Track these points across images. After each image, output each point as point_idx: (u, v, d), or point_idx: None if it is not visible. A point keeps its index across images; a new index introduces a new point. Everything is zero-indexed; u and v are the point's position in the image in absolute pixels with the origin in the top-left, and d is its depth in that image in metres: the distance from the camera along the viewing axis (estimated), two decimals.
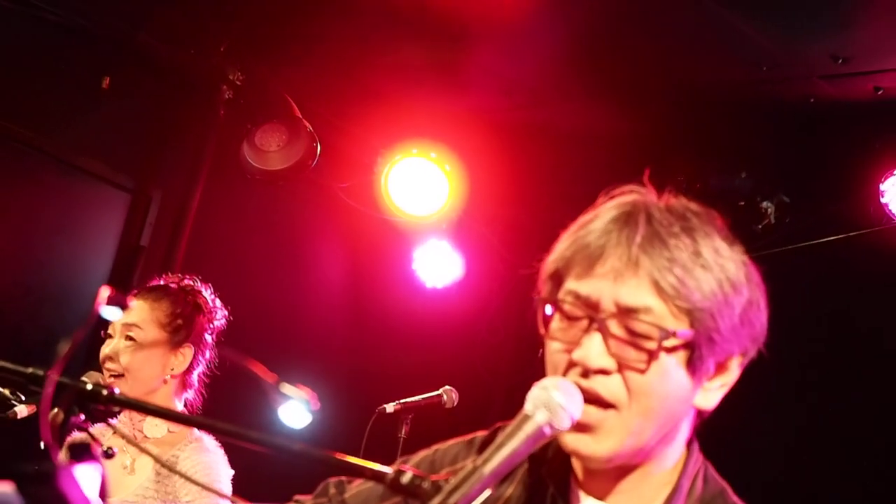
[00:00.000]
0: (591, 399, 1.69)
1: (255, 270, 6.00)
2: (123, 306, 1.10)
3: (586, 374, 1.69)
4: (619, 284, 1.68)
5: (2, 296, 5.30)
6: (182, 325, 3.72)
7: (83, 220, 5.71)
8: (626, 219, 1.72)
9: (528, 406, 1.65)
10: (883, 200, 5.21)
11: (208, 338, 3.82)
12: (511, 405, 1.76)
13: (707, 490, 1.83)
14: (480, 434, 1.94)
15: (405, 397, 4.70)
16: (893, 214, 5.20)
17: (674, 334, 1.67)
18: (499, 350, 6.94)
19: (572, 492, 1.84)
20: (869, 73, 5.01)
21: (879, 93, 5.13)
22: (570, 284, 1.73)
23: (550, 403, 1.64)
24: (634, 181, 1.82)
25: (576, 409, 1.66)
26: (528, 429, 1.62)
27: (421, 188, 6.09)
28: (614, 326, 1.69)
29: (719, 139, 5.63)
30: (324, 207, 6.39)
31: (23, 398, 2.66)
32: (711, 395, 1.79)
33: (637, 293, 1.68)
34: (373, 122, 6.13)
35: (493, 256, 6.93)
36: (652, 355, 1.68)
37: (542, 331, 1.77)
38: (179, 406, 3.75)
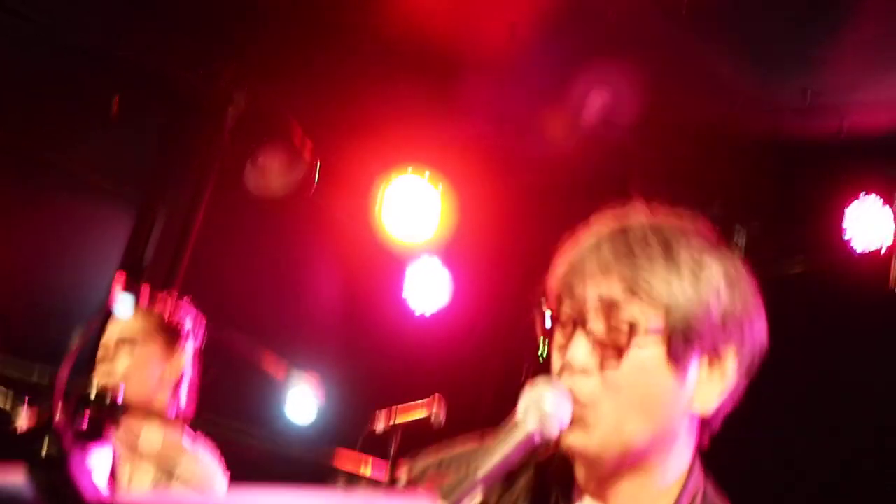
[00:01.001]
0: (574, 397, 1.73)
1: (254, 285, 6.00)
2: (137, 296, 1.18)
3: (573, 373, 1.74)
4: (594, 286, 1.75)
5: (11, 307, 5.23)
6: (175, 330, 3.82)
7: (89, 234, 5.71)
8: (608, 234, 1.79)
9: (520, 411, 1.71)
10: (844, 234, 5.21)
11: (193, 347, 3.90)
12: (496, 419, 1.81)
13: (708, 498, 1.85)
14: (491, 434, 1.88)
15: (396, 408, 4.62)
16: (852, 246, 5.19)
17: (645, 329, 1.71)
18: (483, 371, 6.89)
19: (574, 494, 1.85)
20: (835, 108, 5.04)
21: (844, 129, 5.16)
22: (565, 297, 1.80)
23: (542, 409, 1.69)
24: (615, 208, 1.87)
25: (565, 415, 1.71)
26: (517, 436, 1.68)
27: (414, 211, 6.06)
28: (595, 327, 1.74)
29: (695, 170, 5.56)
30: (322, 227, 6.35)
31: (24, 404, 2.71)
32: (708, 393, 1.80)
33: (609, 292, 1.73)
34: (370, 146, 6.09)
35: (481, 278, 6.85)
36: (623, 350, 1.72)
37: (543, 348, 1.84)
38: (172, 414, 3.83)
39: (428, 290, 6.53)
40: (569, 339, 1.77)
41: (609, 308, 1.74)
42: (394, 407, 4.42)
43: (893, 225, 5.18)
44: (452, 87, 5.55)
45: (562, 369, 1.77)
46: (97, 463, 0.94)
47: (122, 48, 5.54)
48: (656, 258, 1.74)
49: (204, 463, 3.72)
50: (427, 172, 6.09)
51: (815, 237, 5.37)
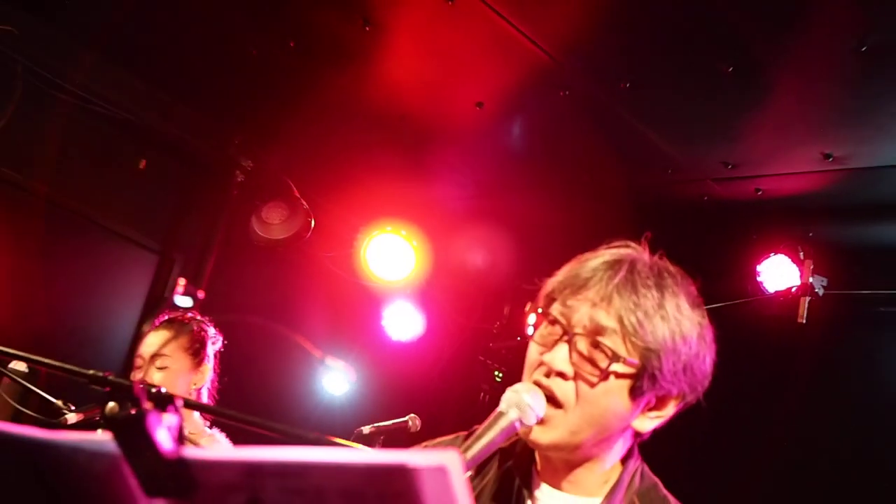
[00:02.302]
0: (548, 397, 1.71)
1: (251, 335, 5.97)
2: (195, 297, 1.12)
3: (549, 374, 1.72)
4: (593, 311, 1.70)
5: (51, 336, 5.20)
6: (199, 348, 3.74)
7: (119, 275, 5.69)
8: (613, 264, 1.74)
9: (503, 405, 1.68)
10: (759, 279, 5.22)
11: (213, 356, 3.82)
12: (459, 428, 1.87)
13: (643, 484, 1.83)
14: (462, 433, 1.91)
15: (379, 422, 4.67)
16: (766, 289, 5.21)
17: (623, 361, 1.68)
18: (449, 390, 6.89)
19: (534, 481, 1.83)
20: (751, 177, 5.02)
21: (759, 193, 5.13)
22: (559, 302, 1.76)
23: (521, 404, 1.67)
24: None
25: (540, 408, 1.69)
26: (502, 423, 1.65)
27: (392, 259, 6.06)
28: (580, 342, 1.70)
29: (633, 229, 5.49)
30: (313, 271, 6.36)
31: (72, 408, 2.64)
32: (647, 422, 1.79)
33: (606, 318, 1.69)
34: (355, 204, 6.14)
35: (446, 317, 6.89)
36: (602, 373, 1.69)
37: (529, 335, 1.82)
38: (196, 413, 3.74)
39: (402, 324, 6.56)
40: (553, 342, 1.74)
41: (598, 332, 1.71)
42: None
43: (799, 274, 5.18)
44: (426, 156, 5.55)
45: (539, 364, 1.75)
46: (167, 424, 0.89)
47: (149, 121, 5.54)
48: (651, 305, 1.71)
49: (221, 443, 3.71)
50: (402, 227, 6.08)
51: (735, 282, 5.34)
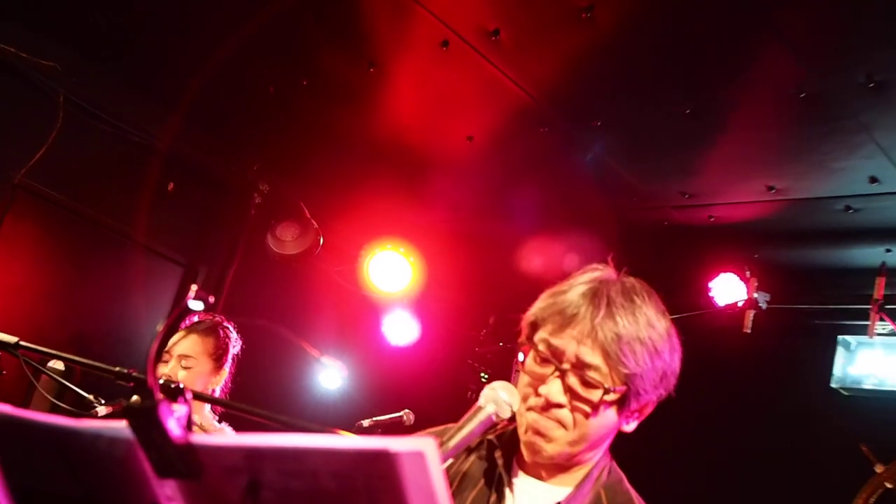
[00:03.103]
0: (553, 419, 1.71)
1: (265, 352, 5.95)
2: (206, 302, 1.10)
3: (548, 405, 1.71)
4: (581, 346, 1.68)
5: (88, 338, 5.24)
6: (222, 354, 3.69)
7: (149, 285, 5.62)
8: (593, 296, 1.71)
9: (482, 401, 1.68)
10: (710, 294, 5.26)
11: (231, 360, 3.76)
12: (447, 422, 1.81)
13: (610, 478, 1.82)
14: (451, 425, 1.87)
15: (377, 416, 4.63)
16: (716, 303, 5.25)
17: (613, 391, 1.68)
18: (440, 388, 6.83)
19: (514, 470, 1.82)
20: (705, 205, 5.05)
21: (712, 219, 5.16)
22: (544, 334, 1.74)
23: (498, 400, 1.67)
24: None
25: (515, 403, 1.69)
26: (481, 416, 1.65)
27: (391, 273, 6.03)
28: (571, 377, 1.69)
29: (601, 249, 5.38)
30: (322, 283, 6.32)
31: (102, 402, 2.61)
32: (632, 425, 1.80)
33: (592, 355, 1.68)
34: (359, 224, 6.11)
35: (439, 324, 6.85)
36: (595, 404, 1.69)
37: (519, 365, 1.82)
38: (208, 407, 3.69)
39: (400, 330, 6.52)
40: (545, 376, 1.72)
41: (586, 367, 1.69)
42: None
43: (745, 290, 5.21)
44: (422, 183, 5.52)
45: (535, 395, 1.74)
46: (177, 414, 0.89)
47: (176, 148, 5.50)
48: (630, 332, 1.69)
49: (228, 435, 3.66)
50: (401, 245, 6.05)
51: (690, 297, 5.32)
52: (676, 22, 3.60)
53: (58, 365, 5.19)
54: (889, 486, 5.19)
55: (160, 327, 1.02)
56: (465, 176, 5.35)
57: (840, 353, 5.59)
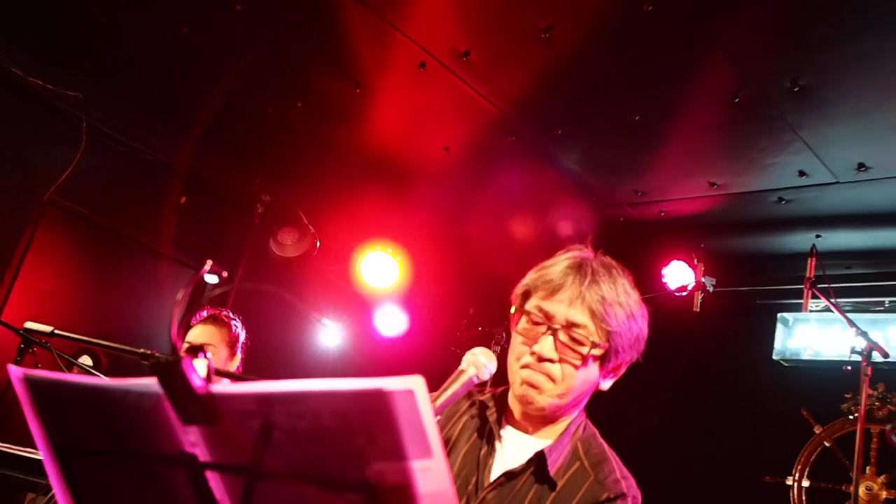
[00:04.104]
0: (544, 373, 1.74)
1: (274, 319, 5.88)
2: (220, 275, 1.12)
3: (540, 360, 1.73)
4: (570, 308, 1.72)
5: (110, 335, 5.13)
6: (235, 342, 3.67)
7: (164, 286, 5.61)
8: (578, 268, 1.75)
9: (463, 365, 1.69)
10: (664, 280, 5.27)
11: (241, 348, 3.74)
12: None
13: (585, 432, 1.84)
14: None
15: None
16: (669, 287, 5.25)
17: (598, 346, 1.72)
18: (426, 373, 6.64)
19: (503, 425, 1.83)
20: (656, 201, 5.05)
21: (662, 214, 5.17)
22: (536, 301, 1.77)
23: (477, 363, 1.68)
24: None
25: (493, 367, 1.70)
26: (463, 378, 1.66)
27: (381, 271, 6.02)
28: (562, 334, 1.72)
29: (566, 244, 5.43)
30: (319, 281, 6.31)
31: None
32: (608, 383, 1.82)
33: (580, 315, 1.72)
34: (351, 228, 6.11)
35: (425, 317, 6.84)
36: (583, 357, 1.73)
37: (511, 327, 1.83)
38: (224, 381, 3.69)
39: (390, 323, 6.50)
40: (538, 335, 1.75)
41: (575, 325, 1.73)
42: None
43: (694, 275, 5.23)
44: (405, 189, 5.51)
45: (529, 353, 1.75)
46: (198, 367, 0.90)
47: (188, 165, 5.51)
48: (611, 296, 1.73)
49: None
50: (389, 246, 6.03)
51: (645, 283, 5.28)
52: (624, 38, 3.62)
53: (87, 360, 5.17)
54: (827, 444, 5.25)
55: (180, 296, 1.04)
56: (444, 183, 5.35)
57: (780, 329, 5.62)
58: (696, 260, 5.22)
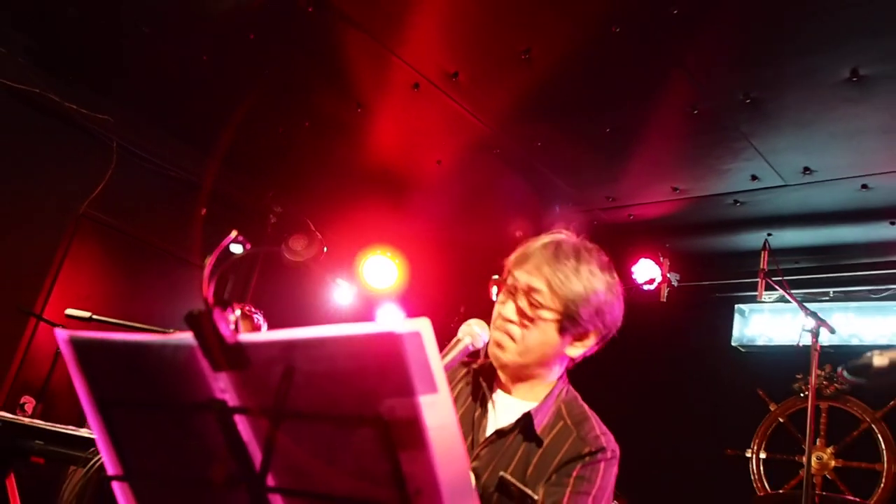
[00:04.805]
0: (505, 333, 1.73)
1: (285, 319, 5.86)
2: (244, 245, 1.11)
3: (504, 320, 1.74)
4: (531, 276, 1.73)
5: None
6: (258, 331, 3.67)
7: (188, 289, 5.57)
8: (547, 244, 1.76)
9: (459, 334, 1.70)
10: (633, 276, 5.26)
11: None
12: None
13: (568, 395, 1.83)
14: None
15: None
16: (639, 283, 5.26)
17: (548, 308, 1.70)
18: None
19: (494, 390, 1.82)
20: (625, 206, 5.07)
21: (631, 218, 5.19)
22: (509, 271, 1.78)
23: (472, 332, 1.70)
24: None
25: (486, 336, 1.73)
26: (460, 346, 1.68)
27: (381, 274, 5.99)
28: (521, 299, 1.72)
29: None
30: (326, 283, 6.28)
31: None
32: (575, 350, 1.78)
33: (538, 282, 1.71)
34: (354, 234, 6.08)
35: (421, 315, 6.68)
36: (536, 318, 1.72)
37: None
38: None
39: (389, 319, 6.39)
40: (505, 300, 1.76)
41: (532, 291, 1.72)
42: None
43: (660, 272, 5.24)
44: (403, 199, 5.50)
45: (497, 317, 1.76)
46: (227, 318, 0.89)
47: (207, 180, 5.47)
48: (569, 270, 1.72)
49: None
50: (388, 250, 6.00)
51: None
52: (596, 58, 3.64)
53: None
54: (781, 420, 5.26)
55: (209, 259, 1.03)
56: (437, 192, 5.36)
57: (737, 319, 5.66)
58: (661, 258, 5.22)
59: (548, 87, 3.92)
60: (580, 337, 1.77)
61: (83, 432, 2.29)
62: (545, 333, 1.73)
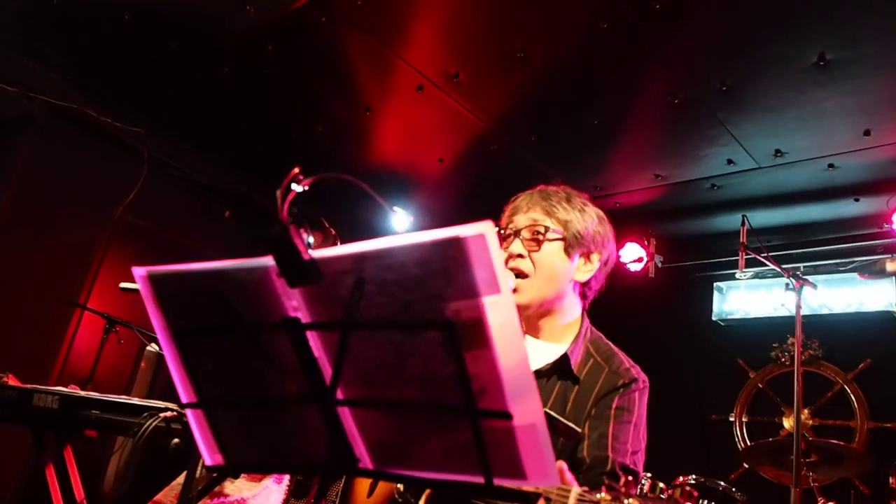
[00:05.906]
0: (516, 273, 1.72)
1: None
2: (300, 182, 1.10)
3: (510, 258, 1.73)
4: (527, 213, 1.77)
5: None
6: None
7: None
8: (533, 191, 1.82)
9: None
10: (621, 259, 5.25)
11: None
12: None
13: (593, 335, 1.82)
14: None
15: None
16: (624, 263, 5.24)
17: (552, 230, 1.73)
18: None
19: (524, 336, 1.75)
20: (612, 194, 5.01)
21: (617, 205, 5.11)
22: (506, 221, 1.81)
23: None
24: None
25: (512, 282, 1.71)
26: None
27: None
28: (524, 233, 1.74)
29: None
30: None
31: None
32: (583, 274, 1.78)
33: (536, 214, 1.75)
34: (364, 230, 5.85)
35: None
36: (541, 242, 1.72)
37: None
38: None
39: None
40: (511, 242, 1.76)
41: (533, 224, 1.73)
42: None
43: (646, 253, 5.25)
44: (407, 197, 5.44)
45: (508, 258, 1.73)
46: (301, 235, 0.85)
47: (230, 186, 5.47)
48: (562, 201, 1.78)
49: None
50: None
51: None
52: (583, 55, 3.63)
53: (155, 347, 5.08)
54: (760, 385, 5.27)
55: (279, 192, 1.02)
56: (438, 189, 5.33)
57: (716, 295, 5.65)
58: (647, 242, 5.22)
59: (541, 84, 3.90)
60: (585, 256, 1.77)
61: (135, 400, 2.27)
62: (552, 256, 1.72)
